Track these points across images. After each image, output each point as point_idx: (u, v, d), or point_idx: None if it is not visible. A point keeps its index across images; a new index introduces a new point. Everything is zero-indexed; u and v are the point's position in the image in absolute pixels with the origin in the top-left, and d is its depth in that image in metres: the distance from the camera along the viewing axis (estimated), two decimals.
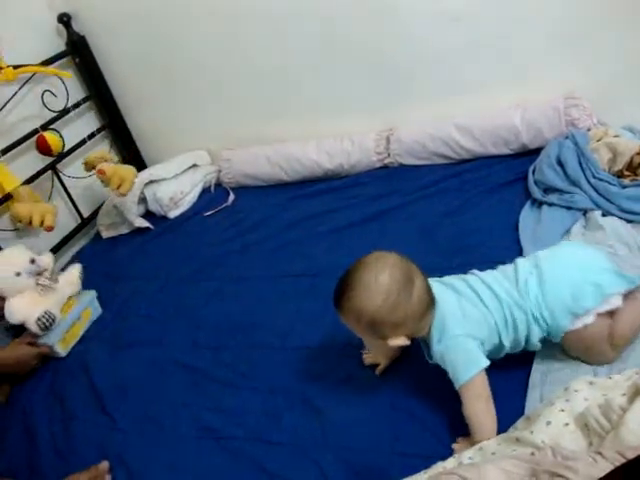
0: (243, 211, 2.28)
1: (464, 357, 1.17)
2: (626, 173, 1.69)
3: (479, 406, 1.15)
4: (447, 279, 1.29)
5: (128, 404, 1.52)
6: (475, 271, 1.30)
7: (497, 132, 2.00)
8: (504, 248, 1.66)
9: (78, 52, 2.35)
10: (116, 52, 2.40)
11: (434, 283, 1.24)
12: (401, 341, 1.17)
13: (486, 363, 1.16)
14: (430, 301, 1.18)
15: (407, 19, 2.02)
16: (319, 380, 1.42)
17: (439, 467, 1.10)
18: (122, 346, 1.73)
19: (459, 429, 1.18)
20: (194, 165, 2.44)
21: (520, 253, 1.60)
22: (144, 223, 2.29)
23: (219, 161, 2.44)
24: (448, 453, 1.13)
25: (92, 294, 1.89)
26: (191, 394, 1.49)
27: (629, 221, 1.59)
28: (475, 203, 1.91)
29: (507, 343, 1.22)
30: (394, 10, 2.02)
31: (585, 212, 1.67)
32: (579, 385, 1.11)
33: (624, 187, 1.65)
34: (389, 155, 2.17)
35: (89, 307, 1.86)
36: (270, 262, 1.93)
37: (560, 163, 1.77)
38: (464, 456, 1.11)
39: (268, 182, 2.35)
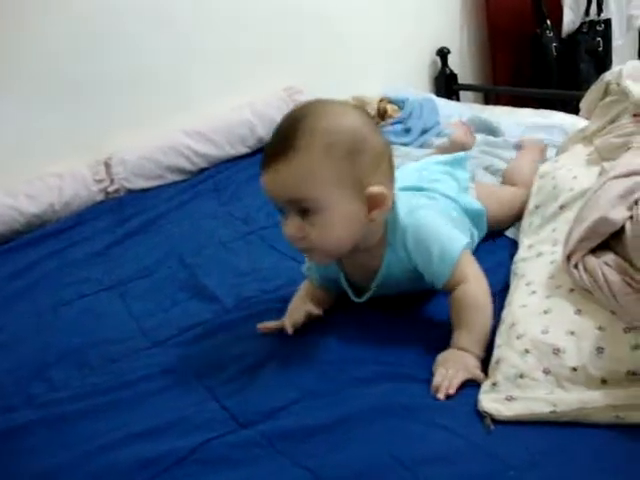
0: None
1: (447, 229, 0.94)
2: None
3: (481, 286, 0.90)
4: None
5: None
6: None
7: (231, 129, 1.87)
8: None
9: None
10: None
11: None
12: (381, 189, 0.87)
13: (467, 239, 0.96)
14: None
15: (102, 32, 1.77)
16: None
17: None
18: None
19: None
20: None
21: None
22: None
23: None
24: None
25: None
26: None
27: None
28: (243, 193, 1.70)
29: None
30: (84, 25, 1.74)
31: None
32: None
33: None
34: (112, 182, 1.76)
35: None
36: None
37: None
38: None
39: None
